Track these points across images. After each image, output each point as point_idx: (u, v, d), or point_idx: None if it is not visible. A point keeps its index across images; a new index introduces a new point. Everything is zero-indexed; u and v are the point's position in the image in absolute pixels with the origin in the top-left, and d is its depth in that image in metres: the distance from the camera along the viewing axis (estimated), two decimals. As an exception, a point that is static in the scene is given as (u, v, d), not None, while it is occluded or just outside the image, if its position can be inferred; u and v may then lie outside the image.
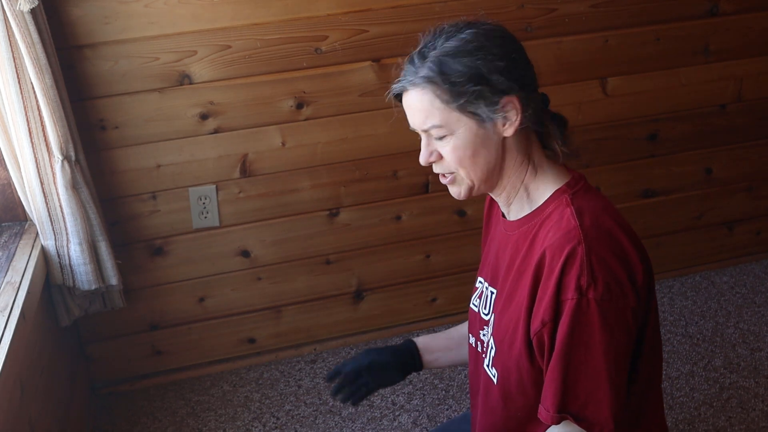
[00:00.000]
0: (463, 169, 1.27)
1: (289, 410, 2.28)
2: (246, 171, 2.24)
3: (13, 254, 1.92)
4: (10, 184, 2.01)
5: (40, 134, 1.88)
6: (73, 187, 1.94)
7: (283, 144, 2.24)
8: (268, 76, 2.15)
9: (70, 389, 2.12)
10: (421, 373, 2.39)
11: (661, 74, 2.45)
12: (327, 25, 2.13)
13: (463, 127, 1.23)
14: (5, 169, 1.97)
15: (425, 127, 1.25)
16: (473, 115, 1.22)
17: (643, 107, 2.48)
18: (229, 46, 2.10)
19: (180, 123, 2.15)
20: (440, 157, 1.28)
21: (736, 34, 2.45)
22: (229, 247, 2.33)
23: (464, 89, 1.20)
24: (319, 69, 2.18)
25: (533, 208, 1.30)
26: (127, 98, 2.09)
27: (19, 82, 1.82)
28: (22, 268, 1.85)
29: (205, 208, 2.25)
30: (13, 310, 1.66)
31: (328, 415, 2.25)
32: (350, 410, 2.26)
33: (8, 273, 1.83)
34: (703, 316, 2.55)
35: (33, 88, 1.83)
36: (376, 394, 2.32)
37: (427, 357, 1.56)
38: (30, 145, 1.88)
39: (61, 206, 1.95)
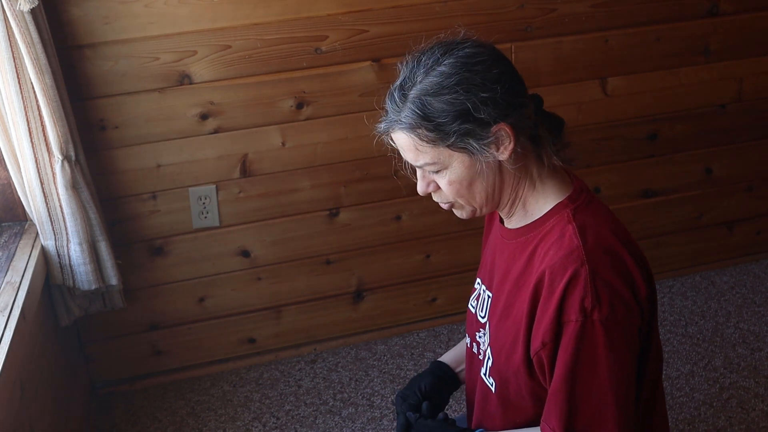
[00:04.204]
0: (462, 198, 1.26)
1: (289, 410, 2.28)
2: (246, 171, 2.24)
3: (13, 254, 1.92)
4: (10, 184, 2.01)
5: (40, 134, 1.88)
6: (73, 187, 1.94)
7: (283, 144, 2.24)
8: (268, 76, 2.15)
9: (70, 389, 2.12)
10: (421, 373, 2.39)
11: (661, 74, 2.45)
12: (327, 25, 2.13)
13: (456, 161, 1.20)
14: (5, 169, 1.97)
15: (418, 164, 1.24)
16: (464, 150, 1.19)
17: (643, 107, 2.48)
18: (229, 46, 2.10)
19: (180, 123, 2.15)
20: (438, 187, 1.26)
21: (736, 34, 2.45)
22: (229, 247, 2.33)
23: (451, 128, 1.16)
24: (319, 69, 2.18)
25: (532, 220, 1.28)
26: (127, 98, 2.09)
27: (19, 82, 1.82)
28: (22, 268, 1.85)
29: (205, 208, 2.25)
30: (13, 310, 1.66)
31: (328, 415, 2.25)
32: (350, 410, 2.26)
33: (8, 273, 1.83)
34: (703, 316, 2.55)
35: (33, 88, 1.83)
36: (376, 394, 2.32)
37: (458, 371, 1.56)
38: (30, 145, 1.88)
39: (61, 206, 1.95)
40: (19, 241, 1.99)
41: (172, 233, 2.26)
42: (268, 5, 2.08)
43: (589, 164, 2.50)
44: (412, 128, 1.18)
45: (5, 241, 1.99)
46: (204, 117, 2.16)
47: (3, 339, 1.55)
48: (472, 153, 1.19)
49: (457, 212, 1.31)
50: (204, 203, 2.25)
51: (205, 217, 2.27)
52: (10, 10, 1.73)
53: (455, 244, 2.51)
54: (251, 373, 2.44)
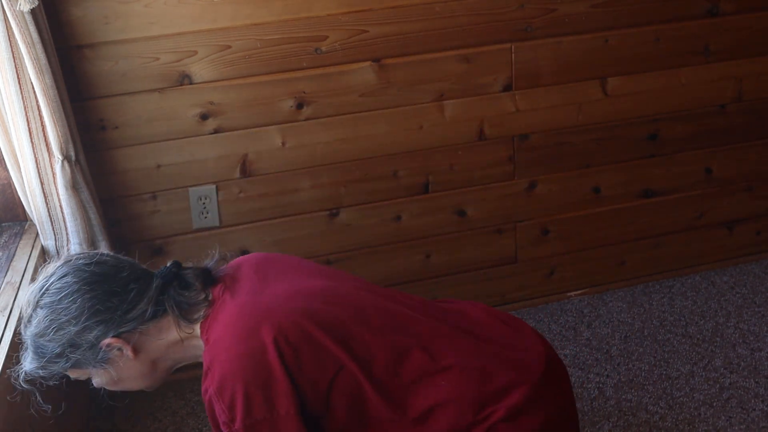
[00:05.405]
0: (126, 389, 1.44)
1: (289, 410, 2.28)
2: (246, 171, 2.24)
3: (13, 254, 1.92)
4: (10, 184, 2.01)
5: (40, 134, 1.88)
6: (73, 187, 1.94)
7: (283, 144, 2.24)
8: (268, 76, 2.15)
9: (70, 389, 2.12)
10: (421, 373, 2.39)
11: (661, 74, 2.45)
12: (327, 25, 2.13)
13: (92, 373, 1.38)
14: (5, 169, 1.97)
15: (72, 378, 1.41)
16: (88, 368, 1.36)
17: (643, 107, 2.48)
18: (229, 46, 2.10)
19: (180, 123, 2.15)
20: None
21: (736, 34, 2.45)
22: (230, 247, 2.32)
23: (63, 359, 1.32)
24: (319, 69, 2.18)
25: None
26: (127, 98, 2.09)
27: (19, 82, 1.82)
28: (22, 268, 1.85)
29: (205, 208, 2.25)
30: (13, 310, 1.66)
31: (328, 415, 2.25)
32: (350, 410, 2.26)
33: (8, 273, 1.83)
34: (703, 316, 2.55)
35: (33, 88, 1.83)
36: (376, 394, 2.31)
37: None
38: (30, 145, 1.88)
39: (61, 206, 1.95)
40: (19, 241, 1.99)
41: (172, 233, 2.26)
42: (268, 5, 2.08)
43: (589, 164, 2.50)
44: (39, 368, 1.34)
45: (5, 241, 1.99)
46: (204, 117, 2.16)
47: (3, 339, 1.55)
48: (97, 366, 1.33)
49: None
50: (204, 203, 2.25)
51: (206, 217, 2.27)
52: (10, 10, 1.73)
53: (455, 244, 2.51)
54: (251, 373, 2.44)
